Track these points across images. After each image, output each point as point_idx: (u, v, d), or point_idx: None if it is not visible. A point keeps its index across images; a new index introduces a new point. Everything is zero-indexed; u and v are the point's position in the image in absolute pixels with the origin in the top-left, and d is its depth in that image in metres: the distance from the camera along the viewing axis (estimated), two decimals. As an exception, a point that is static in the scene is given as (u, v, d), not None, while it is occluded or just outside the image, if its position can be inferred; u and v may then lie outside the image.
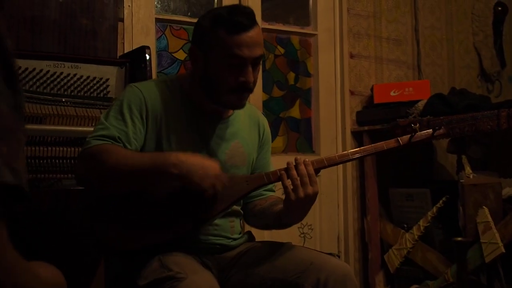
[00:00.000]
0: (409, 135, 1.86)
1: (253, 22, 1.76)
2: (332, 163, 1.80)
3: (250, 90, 1.81)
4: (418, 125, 1.86)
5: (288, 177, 1.72)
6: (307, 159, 1.74)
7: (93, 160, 1.66)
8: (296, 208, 1.74)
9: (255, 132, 1.99)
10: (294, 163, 1.73)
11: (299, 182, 1.70)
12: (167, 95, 1.83)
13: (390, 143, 1.86)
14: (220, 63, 1.75)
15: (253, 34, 1.75)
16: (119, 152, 1.66)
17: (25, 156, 0.72)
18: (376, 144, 1.87)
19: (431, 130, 1.88)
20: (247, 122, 1.97)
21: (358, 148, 1.87)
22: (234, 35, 1.72)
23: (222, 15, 1.74)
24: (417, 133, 1.86)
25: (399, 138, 1.87)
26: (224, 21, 1.73)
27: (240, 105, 1.84)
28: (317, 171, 1.75)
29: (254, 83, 1.80)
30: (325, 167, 1.79)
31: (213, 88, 1.79)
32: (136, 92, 1.80)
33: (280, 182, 1.75)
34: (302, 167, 1.71)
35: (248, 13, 1.76)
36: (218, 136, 1.87)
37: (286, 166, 1.74)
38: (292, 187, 1.71)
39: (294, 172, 1.71)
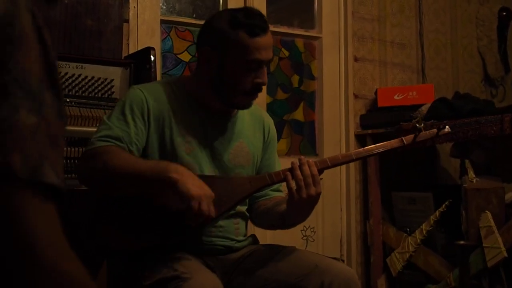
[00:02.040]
0: (413, 135, 1.84)
1: (267, 25, 1.82)
2: (335, 163, 1.80)
3: (261, 91, 1.84)
4: (423, 124, 1.84)
5: (292, 178, 1.72)
6: (310, 160, 1.75)
7: (97, 161, 1.67)
8: (299, 208, 1.75)
9: (259, 132, 2.00)
10: (298, 163, 1.73)
11: (303, 183, 1.70)
12: (170, 96, 1.85)
13: (394, 143, 1.84)
14: (238, 65, 1.78)
15: (268, 36, 1.81)
16: (122, 155, 1.68)
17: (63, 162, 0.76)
18: (380, 144, 1.85)
19: (435, 129, 1.86)
20: (251, 122, 1.98)
21: (362, 149, 1.86)
22: (254, 37, 1.76)
23: (239, 18, 1.77)
24: (421, 133, 1.84)
25: (403, 138, 1.85)
26: (244, 24, 1.76)
27: (249, 105, 1.88)
28: (320, 171, 1.75)
29: None
30: (328, 167, 1.78)
31: (227, 90, 1.81)
32: (138, 93, 1.82)
33: (285, 183, 1.75)
34: (306, 167, 1.71)
35: (262, 15, 1.82)
36: (222, 136, 1.88)
37: (290, 166, 1.74)
38: (296, 187, 1.71)
39: (299, 173, 1.71)
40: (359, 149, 1.86)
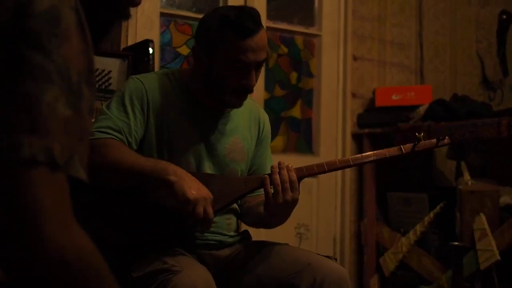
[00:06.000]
0: (412, 144, 1.84)
1: (259, 26, 1.76)
2: (321, 171, 1.80)
3: (251, 92, 1.82)
4: (422, 134, 1.84)
5: (270, 183, 1.72)
6: (290, 165, 1.74)
7: (95, 153, 1.66)
8: (274, 212, 1.76)
9: (255, 128, 1.99)
10: (277, 168, 1.72)
11: (280, 187, 1.70)
12: (169, 88, 1.84)
13: (392, 151, 1.84)
14: (225, 65, 1.75)
15: (258, 38, 1.74)
16: (122, 149, 1.67)
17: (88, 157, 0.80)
18: (378, 151, 1.85)
19: (435, 140, 1.86)
20: (247, 117, 1.97)
21: (359, 155, 1.86)
22: (241, 40, 1.72)
23: (229, 17, 1.73)
24: (420, 142, 1.83)
25: (402, 146, 1.84)
26: (232, 24, 1.72)
27: (239, 105, 1.85)
28: (300, 178, 1.75)
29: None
30: (305, 176, 1.77)
31: (216, 88, 1.80)
32: (138, 84, 1.81)
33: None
34: (284, 172, 1.71)
35: (255, 16, 1.76)
36: (218, 131, 1.87)
37: (270, 171, 1.75)
38: (272, 192, 1.71)
39: (277, 177, 1.71)
40: (356, 155, 1.86)
